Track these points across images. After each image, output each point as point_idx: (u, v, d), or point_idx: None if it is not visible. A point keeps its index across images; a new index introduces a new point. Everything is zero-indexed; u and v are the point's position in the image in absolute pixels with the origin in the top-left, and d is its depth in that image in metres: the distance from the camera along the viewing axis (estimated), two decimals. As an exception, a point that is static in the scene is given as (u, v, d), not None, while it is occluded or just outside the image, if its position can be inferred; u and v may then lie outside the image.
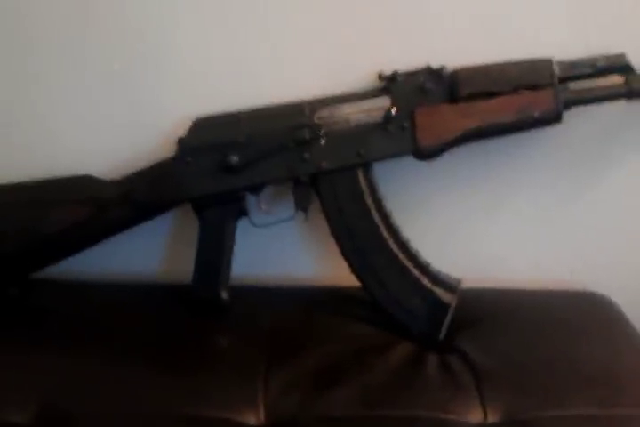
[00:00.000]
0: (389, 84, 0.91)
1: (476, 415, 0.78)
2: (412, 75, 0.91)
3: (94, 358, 0.86)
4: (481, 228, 1.01)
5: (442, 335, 0.89)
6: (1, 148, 1.00)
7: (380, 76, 0.92)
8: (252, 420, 0.79)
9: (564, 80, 0.89)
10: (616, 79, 0.89)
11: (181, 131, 0.94)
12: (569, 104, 0.89)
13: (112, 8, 0.95)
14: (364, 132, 0.91)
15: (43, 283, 0.98)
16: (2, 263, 0.93)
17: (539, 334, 0.89)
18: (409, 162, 0.91)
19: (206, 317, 0.93)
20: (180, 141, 0.93)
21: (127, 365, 0.85)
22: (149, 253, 1.04)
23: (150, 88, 0.98)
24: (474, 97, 0.89)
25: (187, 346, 0.88)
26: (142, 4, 0.95)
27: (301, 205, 0.93)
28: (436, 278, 0.90)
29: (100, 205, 0.93)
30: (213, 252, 0.94)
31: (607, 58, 0.89)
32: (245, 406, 0.79)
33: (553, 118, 0.89)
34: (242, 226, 0.95)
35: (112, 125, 0.99)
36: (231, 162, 0.91)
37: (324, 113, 0.91)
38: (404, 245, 0.91)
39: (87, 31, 0.96)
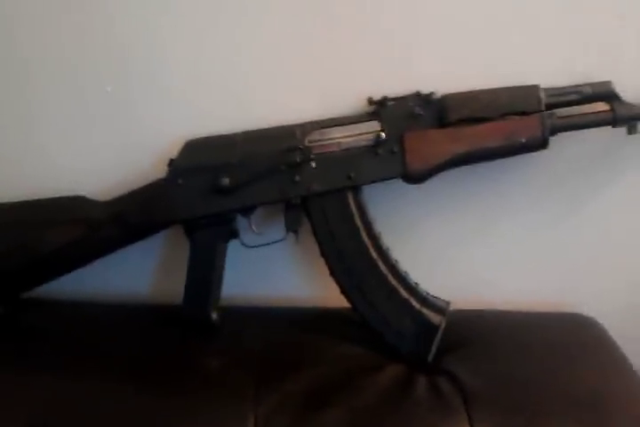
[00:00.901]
0: (379, 108, 0.93)
1: (464, 437, 0.79)
2: (401, 100, 0.93)
3: (82, 378, 0.86)
4: (468, 250, 1.02)
5: (431, 357, 0.90)
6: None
7: (370, 101, 0.94)
8: (242, 441, 0.79)
9: (550, 107, 0.91)
10: (602, 106, 0.91)
11: (173, 152, 0.95)
12: (555, 130, 0.91)
13: (106, 31, 0.96)
14: (354, 156, 0.92)
15: (33, 302, 0.98)
16: (-7, 282, 0.93)
17: (526, 355, 0.90)
18: (398, 185, 0.92)
19: (196, 337, 0.93)
20: (172, 163, 0.94)
21: (116, 384, 0.85)
22: (140, 273, 1.04)
23: (143, 110, 0.99)
24: (462, 122, 0.91)
25: (176, 367, 0.88)
26: (136, 27, 0.96)
27: (292, 227, 0.94)
28: (425, 300, 0.91)
29: (91, 226, 0.93)
30: (204, 272, 0.95)
31: (593, 85, 0.91)
32: (236, 427, 0.79)
33: (539, 144, 0.91)
34: (232, 247, 0.96)
35: (104, 146, 1.00)
36: (222, 184, 0.92)
37: (315, 136, 0.93)
38: (393, 267, 0.92)
39: (81, 53, 0.97)
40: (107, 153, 1.00)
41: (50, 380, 0.85)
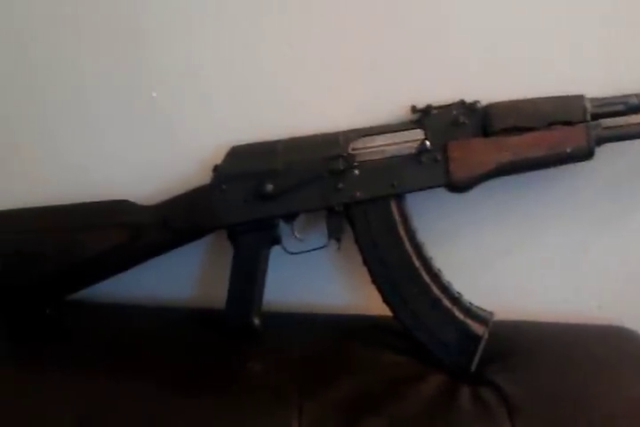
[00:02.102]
0: (423, 116, 0.93)
1: (509, 447, 0.79)
2: (445, 108, 0.92)
3: (126, 380, 0.87)
4: (512, 261, 1.02)
5: (473, 367, 0.89)
6: (43, 171, 1.02)
7: (414, 109, 0.94)
8: (287, 447, 0.79)
9: (596, 117, 0.90)
10: (648, 117, 0.90)
11: (218, 158, 0.95)
12: (601, 141, 0.90)
13: (154, 39, 0.98)
14: (397, 164, 0.92)
15: (77, 305, 0.99)
16: (41, 285, 0.94)
17: (568, 367, 0.89)
18: (442, 194, 0.92)
19: (238, 342, 0.93)
20: (217, 169, 0.95)
21: (159, 387, 0.86)
22: (183, 277, 1.05)
23: (188, 116, 1.00)
24: (507, 132, 0.91)
25: (219, 371, 0.89)
26: (183, 36, 0.97)
27: (334, 234, 0.94)
28: (469, 310, 0.91)
29: (136, 230, 0.94)
30: (246, 278, 0.95)
31: (639, 95, 0.90)
32: (281, 432, 0.80)
33: (585, 155, 0.90)
34: (275, 253, 0.96)
35: (149, 151, 1.01)
36: (266, 190, 0.92)
37: (359, 144, 0.93)
38: (435, 276, 0.92)
39: (129, 59, 0.98)
40: (151, 158, 1.01)
41: (95, 381, 0.86)
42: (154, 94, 0.99)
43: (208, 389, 0.86)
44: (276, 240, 0.96)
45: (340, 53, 0.97)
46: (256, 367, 0.90)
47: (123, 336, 0.95)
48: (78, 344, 0.93)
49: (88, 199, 0.98)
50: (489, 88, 0.93)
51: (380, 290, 0.93)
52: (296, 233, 0.96)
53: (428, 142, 0.91)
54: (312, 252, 0.96)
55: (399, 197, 0.93)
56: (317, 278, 1.03)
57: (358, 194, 0.93)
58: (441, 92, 0.94)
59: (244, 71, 0.98)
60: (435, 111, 0.93)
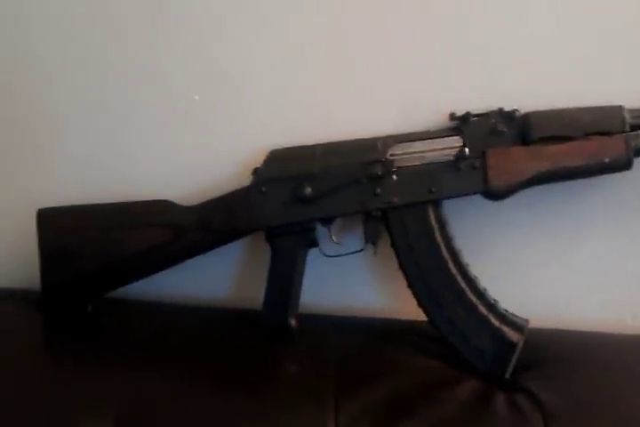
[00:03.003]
0: (461, 124, 0.94)
1: (546, 454, 0.79)
2: (484, 116, 0.93)
3: (165, 378, 0.88)
4: (548, 269, 1.02)
5: (508, 374, 0.90)
6: (84, 171, 1.04)
7: (452, 117, 0.94)
8: (324, 447, 0.80)
9: (635, 128, 0.91)
10: (687, 129, 0.91)
11: (257, 161, 0.97)
12: (639, 152, 0.91)
13: (197, 43, 0.99)
14: (435, 170, 0.93)
15: (116, 302, 1.00)
16: (82, 282, 0.96)
17: (602, 376, 0.89)
18: (480, 202, 0.93)
19: (275, 343, 0.94)
20: (256, 171, 0.96)
21: (196, 385, 0.87)
22: (221, 277, 1.06)
23: (228, 119, 1.01)
24: (545, 140, 0.91)
25: (255, 371, 0.90)
26: (225, 39, 0.99)
27: (371, 239, 0.95)
28: (504, 317, 0.91)
29: (176, 230, 0.95)
30: (284, 280, 0.96)
31: (678, 106, 0.91)
32: (318, 433, 0.80)
33: (623, 165, 0.90)
34: (312, 256, 0.97)
35: (190, 153, 1.02)
36: (305, 193, 0.93)
37: (397, 150, 0.94)
38: (471, 283, 0.92)
39: (172, 62, 1.00)
40: (192, 159, 1.02)
41: (134, 379, 0.87)
42: (196, 97, 1.01)
43: (244, 388, 0.87)
44: (314, 243, 0.97)
45: (380, 59, 0.98)
46: (292, 368, 0.90)
47: (160, 335, 0.96)
48: (117, 342, 0.94)
49: (130, 198, 0.99)
50: (528, 97, 0.94)
51: (416, 295, 0.94)
52: (333, 236, 0.97)
53: (466, 149, 0.92)
54: (348, 255, 0.97)
55: (436, 204, 0.94)
56: (353, 282, 1.04)
57: (396, 199, 0.93)
58: (480, 100, 0.94)
59: (285, 75, 1.00)
60: (473, 119, 0.93)
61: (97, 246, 0.95)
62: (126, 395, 0.84)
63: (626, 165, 0.91)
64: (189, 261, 0.98)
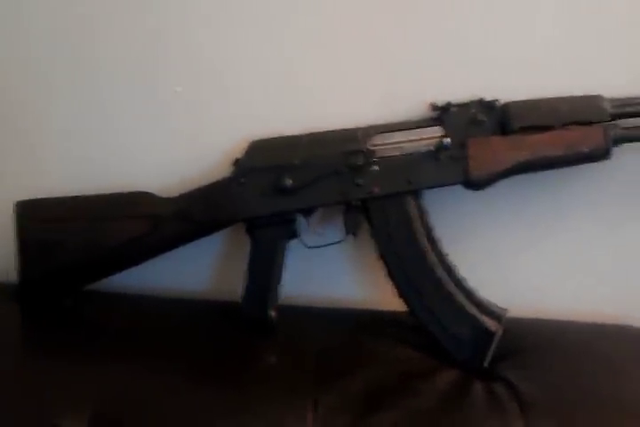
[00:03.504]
0: (442, 114, 0.94)
1: (523, 443, 0.80)
2: (464, 106, 0.93)
3: (143, 371, 0.88)
4: (526, 258, 1.02)
5: (486, 363, 0.90)
6: (66, 163, 1.03)
7: (433, 107, 0.94)
8: (302, 439, 0.80)
9: (614, 117, 0.91)
10: (667, 118, 0.91)
11: (239, 152, 0.96)
12: (619, 141, 0.91)
13: (177, 34, 0.99)
14: (415, 161, 0.93)
15: (96, 295, 1.00)
16: (60, 274, 0.96)
17: (581, 365, 0.90)
18: (459, 192, 0.93)
19: (254, 334, 0.95)
20: (237, 162, 0.96)
21: (175, 377, 0.87)
22: (200, 269, 1.06)
23: (210, 110, 1.01)
24: (525, 130, 0.91)
25: (235, 363, 0.90)
26: (205, 31, 0.98)
27: (351, 229, 0.95)
28: (483, 306, 0.92)
29: (155, 222, 0.95)
30: (264, 271, 0.96)
31: (658, 96, 0.91)
32: (295, 424, 0.80)
33: (602, 155, 0.91)
34: (292, 247, 0.97)
35: (171, 144, 1.02)
36: (285, 184, 0.93)
37: (378, 140, 0.94)
38: (451, 272, 0.93)
39: (153, 54, 0.99)
40: (173, 151, 1.02)
41: (113, 371, 0.87)
42: (178, 89, 1.00)
43: (223, 380, 0.87)
44: (294, 234, 0.97)
45: (361, 50, 0.98)
46: (271, 360, 0.91)
47: (140, 327, 0.96)
48: (96, 335, 0.94)
49: (111, 190, 0.98)
50: (508, 87, 0.94)
51: (396, 285, 0.94)
52: (313, 227, 0.97)
53: (447, 139, 0.92)
54: (329, 246, 0.97)
55: (417, 194, 0.94)
56: (334, 272, 1.04)
57: (376, 189, 0.93)
58: (461, 90, 0.94)
59: (267, 66, 0.99)
60: (454, 109, 0.93)
61: (76, 238, 0.95)
62: (104, 389, 0.84)
63: (605, 155, 0.91)
64: (170, 253, 0.98)
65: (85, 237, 0.95)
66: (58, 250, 0.94)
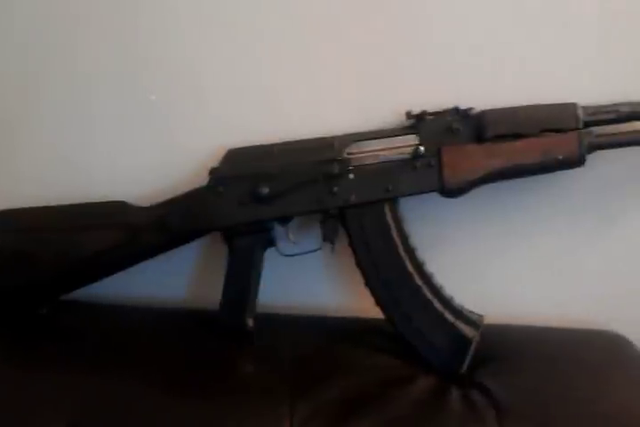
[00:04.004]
0: (417, 122, 0.94)
1: (498, 449, 0.80)
2: (439, 114, 0.94)
3: (120, 380, 0.88)
4: (502, 265, 1.03)
5: (464, 370, 0.91)
6: (41, 170, 1.03)
7: (409, 115, 0.95)
8: (278, 446, 0.80)
9: (588, 125, 0.92)
10: (638, 125, 0.92)
11: (215, 161, 0.96)
12: (592, 148, 0.91)
13: (153, 43, 0.99)
14: (391, 169, 0.93)
15: (72, 304, 0.99)
16: (36, 284, 0.95)
17: (557, 371, 0.90)
18: (434, 200, 0.93)
19: (232, 343, 0.94)
20: (213, 171, 0.96)
21: (152, 387, 0.87)
22: (178, 278, 1.06)
23: (186, 118, 1.01)
24: (500, 138, 0.92)
25: (212, 371, 0.89)
26: (182, 39, 0.99)
27: (329, 237, 0.95)
28: (460, 313, 0.92)
29: (132, 231, 0.95)
30: (241, 280, 0.96)
31: (632, 104, 0.92)
32: (272, 432, 0.81)
33: (576, 161, 0.91)
34: (269, 255, 0.97)
35: (147, 153, 1.02)
36: (262, 193, 0.93)
37: (354, 148, 0.94)
38: (428, 280, 0.93)
39: (128, 62, 0.99)
40: (149, 160, 1.02)
41: (88, 381, 0.86)
42: (152, 97, 1.00)
43: (200, 389, 0.86)
44: (271, 242, 0.97)
45: (337, 58, 0.98)
46: (249, 368, 0.91)
47: (117, 337, 0.95)
48: (72, 344, 0.93)
49: (86, 200, 0.98)
50: (483, 95, 0.95)
51: (373, 293, 0.94)
52: (291, 236, 0.97)
53: (422, 148, 0.92)
54: (306, 254, 0.97)
55: (393, 202, 0.94)
56: (311, 281, 1.04)
57: (353, 198, 0.94)
58: (436, 99, 0.95)
59: (243, 75, 0.99)
60: (429, 117, 0.94)
61: (51, 249, 0.95)
62: (80, 398, 0.84)
63: (579, 162, 0.92)
64: (147, 263, 0.98)
65: (60, 247, 0.94)
66: (32, 260, 0.94)
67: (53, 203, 0.98)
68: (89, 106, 1.01)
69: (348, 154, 0.94)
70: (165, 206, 0.96)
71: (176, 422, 0.82)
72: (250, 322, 0.96)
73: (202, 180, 0.96)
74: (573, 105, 0.92)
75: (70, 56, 1.00)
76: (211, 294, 0.98)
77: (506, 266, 1.03)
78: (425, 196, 0.93)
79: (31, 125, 1.02)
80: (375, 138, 0.95)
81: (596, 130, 0.92)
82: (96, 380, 0.87)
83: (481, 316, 0.93)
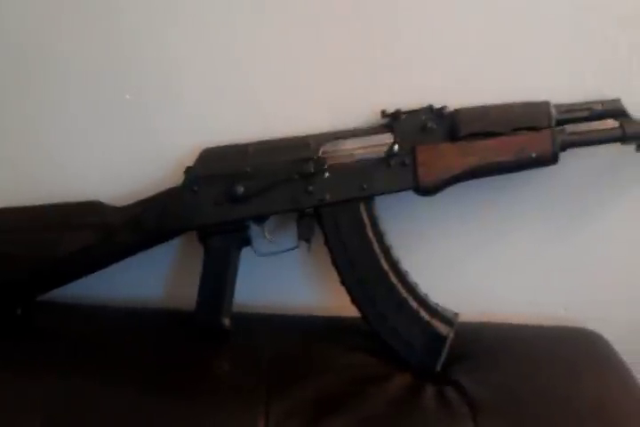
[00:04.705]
0: (392, 121, 0.94)
1: (472, 446, 0.80)
2: (414, 113, 0.94)
3: (95, 380, 0.88)
4: (476, 262, 1.03)
5: (439, 367, 0.91)
6: (14, 173, 1.02)
7: (384, 114, 0.95)
8: (253, 445, 0.80)
9: (561, 123, 0.92)
10: (611, 123, 0.92)
11: (191, 160, 0.96)
12: (565, 146, 0.92)
13: (127, 42, 0.98)
14: (366, 167, 0.93)
15: (48, 305, 0.99)
16: (11, 285, 0.95)
17: (531, 368, 0.91)
18: (410, 197, 0.93)
19: (208, 343, 0.94)
20: (188, 171, 0.96)
21: (128, 387, 0.87)
22: (154, 278, 1.05)
23: (160, 118, 1.00)
24: (474, 136, 0.92)
25: (188, 371, 0.89)
26: (156, 37, 0.98)
27: (304, 236, 0.95)
28: (435, 311, 0.92)
29: (108, 231, 0.94)
30: (217, 279, 0.96)
31: (603, 102, 0.92)
32: (247, 431, 0.80)
33: (550, 159, 0.92)
34: (245, 255, 0.97)
35: (122, 153, 1.01)
36: (237, 192, 0.93)
37: (329, 147, 0.94)
38: (403, 278, 0.93)
39: (102, 61, 0.99)
40: (124, 160, 1.01)
41: (63, 381, 0.86)
42: (127, 96, 1.00)
43: (176, 388, 0.87)
44: (247, 242, 0.97)
45: (313, 57, 0.98)
46: (225, 367, 0.91)
47: (93, 337, 0.95)
48: (48, 345, 0.93)
49: (62, 200, 0.98)
50: (457, 95, 0.95)
51: (349, 291, 0.94)
52: (267, 235, 0.97)
53: (396, 146, 0.93)
54: (283, 253, 0.97)
55: (368, 200, 0.94)
56: (288, 280, 1.04)
57: (328, 196, 0.94)
58: (411, 98, 0.95)
59: (218, 73, 0.99)
60: (404, 116, 0.94)
61: (26, 248, 0.94)
62: (55, 398, 0.84)
63: (552, 160, 0.92)
64: (123, 263, 0.97)
65: (34, 247, 0.94)
66: (6, 261, 0.93)
67: (29, 203, 0.98)
68: (64, 105, 1.01)
69: (324, 153, 0.94)
70: (140, 206, 0.96)
71: (150, 421, 0.82)
72: (226, 322, 0.95)
73: (177, 180, 0.96)
74: (546, 103, 0.93)
75: (44, 54, 0.99)
76: (187, 293, 0.97)
77: (480, 263, 1.04)
78: (400, 194, 0.94)
79: (5, 125, 1.02)
80: (350, 137, 0.95)
81: (569, 128, 0.93)
82: (71, 380, 0.87)
83: (456, 313, 0.93)
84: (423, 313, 0.92)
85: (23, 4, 0.97)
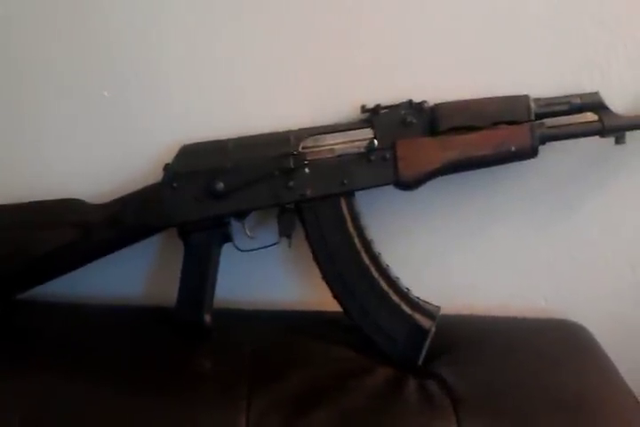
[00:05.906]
0: (372, 116, 0.94)
1: (453, 439, 0.80)
2: (394, 108, 0.94)
3: (75, 378, 0.87)
4: (457, 255, 1.04)
5: (421, 361, 0.91)
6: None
7: (364, 109, 0.95)
8: (233, 441, 0.80)
9: (540, 116, 0.93)
10: (590, 116, 0.93)
11: (169, 157, 0.96)
12: (544, 139, 0.93)
13: (105, 37, 0.98)
14: (347, 163, 0.93)
15: (27, 303, 0.98)
16: (-11, 283, 0.94)
17: (513, 360, 0.91)
18: (390, 192, 0.94)
19: (189, 339, 0.94)
20: (167, 167, 0.95)
21: (108, 385, 0.87)
22: (134, 275, 1.05)
23: (139, 115, 1.00)
24: (453, 131, 0.93)
25: (169, 368, 0.89)
26: (134, 34, 0.98)
27: (285, 232, 0.95)
28: (416, 305, 0.92)
29: (87, 228, 0.94)
30: (197, 276, 0.96)
31: (582, 96, 0.93)
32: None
33: (529, 153, 0.92)
34: (226, 251, 0.97)
35: (101, 150, 1.01)
36: (217, 188, 0.93)
37: (309, 143, 0.94)
38: (384, 272, 0.93)
39: (79, 57, 0.98)
40: (103, 157, 1.01)
41: (43, 380, 0.86)
42: (105, 93, 1.00)
43: (156, 386, 0.87)
44: (228, 238, 0.96)
45: (292, 54, 0.98)
46: (206, 364, 0.90)
47: (73, 335, 0.95)
48: (28, 343, 0.93)
49: (41, 197, 0.97)
50: (437, 90, 0.95)
51: (330, 286, 0.94)
52: (247, 231, 0.96)
53: (376, 141, 0.93)
54: (264, 249, 0.97)
55: (349, 195, 0.94)
56: (269, 275, 1.04)
57: (309, 192, 0.94)
58: (391, 93, 0.95)
59: (198, 70, 0.99)
60: (383, 111, 0.94)
61: (5, 247, 0.93)
62: (34, 396, 0.83)
63: (531, 154, 0.93)
64: (103, 260, 0.97)
65: (13, 245, 0.93)
66: (-15, 259, 0.93)
67: (8, 201, 0.97)
68: (42, 103, 1.00)
69: (304, 148, 0.94)
70: (119, 203, 0.96)
71: (131, 418, 0.82)
72: (207, 318, 0.95)
73: (157, 176, 0.96)
74: (525, 97, 0.93)
75: (22, 52, 0.99)
76: (168, 290, 0.97)
77: (461, 256, 1.04)
78: (381, 188, 0.94)
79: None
80: (331, 132, 0.95)
81: (549, 121, 0.93)
82: (50, 379, 0.87)
83: (437, 307, 0.93)
84: (405, 307, 0.92)
85: (4, 3, 0.97)
